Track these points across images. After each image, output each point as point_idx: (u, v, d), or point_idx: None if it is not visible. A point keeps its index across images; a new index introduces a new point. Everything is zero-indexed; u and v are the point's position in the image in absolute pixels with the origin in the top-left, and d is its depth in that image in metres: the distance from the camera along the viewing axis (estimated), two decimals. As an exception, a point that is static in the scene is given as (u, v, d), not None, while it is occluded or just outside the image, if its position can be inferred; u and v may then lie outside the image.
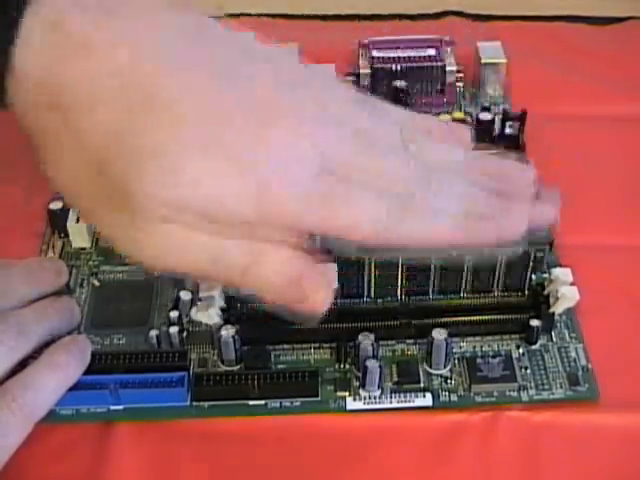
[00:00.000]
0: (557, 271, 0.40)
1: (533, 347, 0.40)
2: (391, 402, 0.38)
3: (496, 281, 0.40)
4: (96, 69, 0.30)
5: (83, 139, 0.30)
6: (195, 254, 0.32)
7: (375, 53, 0.52)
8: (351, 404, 0.38)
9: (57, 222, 0.45)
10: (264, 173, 0.31)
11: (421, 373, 0.39)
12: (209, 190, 0.30)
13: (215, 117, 0.31)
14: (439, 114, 0.50)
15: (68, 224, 0.44)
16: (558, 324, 0.41)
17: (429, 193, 0.33)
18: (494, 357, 0.39)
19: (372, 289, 0.40)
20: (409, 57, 0.52)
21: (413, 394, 0.38)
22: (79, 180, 0.32)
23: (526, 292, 0.41)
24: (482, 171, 0.35)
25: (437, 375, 0.39)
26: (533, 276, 0.40)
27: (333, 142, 0.32)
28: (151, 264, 0.33)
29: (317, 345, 0.40)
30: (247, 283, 0.33)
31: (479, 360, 0.39)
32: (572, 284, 0.40)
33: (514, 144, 0.44)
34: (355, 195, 0.32)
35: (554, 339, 0.41)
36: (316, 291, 0.33)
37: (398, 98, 0.50)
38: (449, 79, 0.52)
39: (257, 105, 0.31)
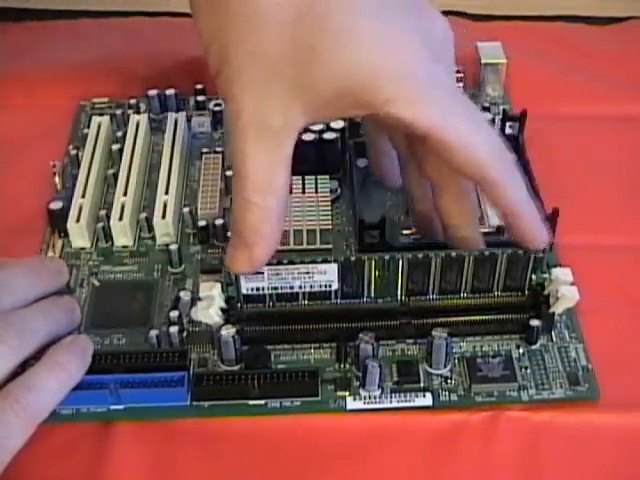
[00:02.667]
0: (557, 271, 0.40)
1: (533, 347, 0.40)
2: (391, 402, 0.38)
3: (496, 281, 0.40)
4: None
5: None
6: None
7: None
8: (351, 404, 0.38)
9: (57, 222, 0.45)
10: None
11: (421, 373, 0.39)
12: None
13: None
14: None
15: (68, 224, 0.44)
16: (558, 324, 0.41)
17: None
18: (494, 357, 0.39)
19: (372, 289, 0.40)
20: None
21: (413, 394, 0.38)
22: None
23: (526, 292, 0.41)
24: None
25: (437, 375, 0.39)
26: (533, 276, 0.40)
27: None
28: None
29: (317, 345, 0.40)
30: None
31: (479, 360, 0.39)
32: (572, 284, 0.40)
33: (514, 144, 0.44)
34: None
35: (554, 339, 0.41)
36: None
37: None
38: (449, 79, 0.52)
39: None
